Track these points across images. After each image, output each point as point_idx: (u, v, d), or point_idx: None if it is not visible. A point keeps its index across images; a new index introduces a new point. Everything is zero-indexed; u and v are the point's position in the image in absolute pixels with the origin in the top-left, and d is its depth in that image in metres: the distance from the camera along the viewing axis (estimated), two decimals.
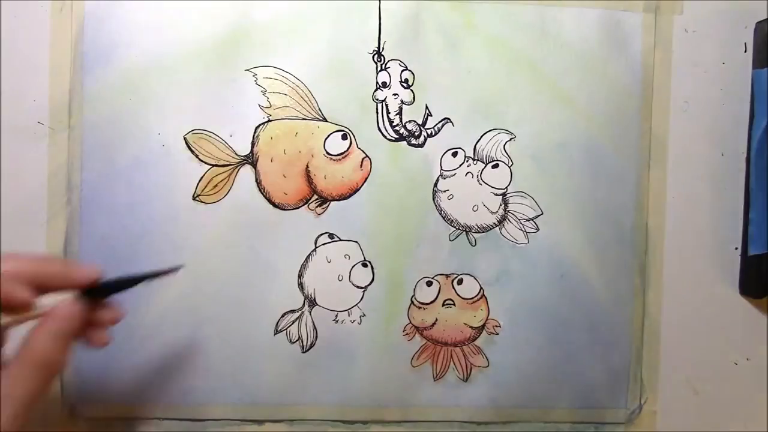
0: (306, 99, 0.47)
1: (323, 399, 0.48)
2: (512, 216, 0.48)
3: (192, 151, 0.46)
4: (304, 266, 0.47)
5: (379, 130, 0.47)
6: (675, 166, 0.50)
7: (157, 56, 0.46)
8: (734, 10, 0.49)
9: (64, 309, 0.35)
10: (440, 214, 0.48)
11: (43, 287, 0.35)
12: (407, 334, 0.48)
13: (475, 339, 0.49)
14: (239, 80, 0.46)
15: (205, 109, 0.46)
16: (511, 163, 0.48)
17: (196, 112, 0.46)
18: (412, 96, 0.47)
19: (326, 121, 0.47)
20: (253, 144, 0.47)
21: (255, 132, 0.47)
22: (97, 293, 0.37)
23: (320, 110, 0.47)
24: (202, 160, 0.46)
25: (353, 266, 0.47)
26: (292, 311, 0.47)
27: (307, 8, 0.47)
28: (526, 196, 0.48)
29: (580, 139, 0.48)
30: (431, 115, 0.48)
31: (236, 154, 0.47)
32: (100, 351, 0.46)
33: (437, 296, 0.48)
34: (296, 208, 0.47)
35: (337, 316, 0.48)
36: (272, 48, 0.46)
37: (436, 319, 0.48)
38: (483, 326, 0.49)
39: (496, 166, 0.48)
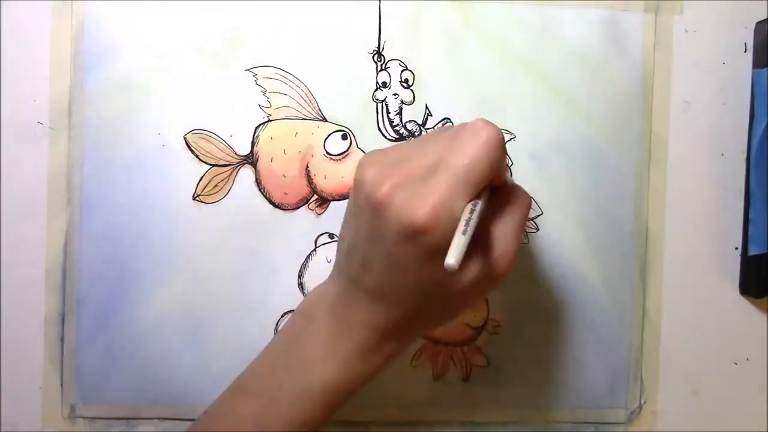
0: (306, 99, 0.47)
1: None
2: None
3: (192, 151, 0.46)
4: (304, 266, 0.47)
5: (379, 130, 0.47)
6: (675, 166, 0.49)
7: (157, 56, 0.46)
8: (734, 10, 0.49)
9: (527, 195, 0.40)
10: None
11: None
12: None
13: (475, 339, 0.49)
14: (239, 80, 0.46)
15: (205, 109, 0.46)
16: (511, 163, 0.48)
17: (196, 112, 0.46)
18: (412, 96, 0.47)
19: (326, 121, 0.47)
20: (253, 144, 0.47)
21: (255, 132, 0.47)
22: None
23: (320, 110, 0.47)
24: (202, 160, 0.46)
25: None
26: (292, 311, 0.47)
27: (307, 8, 0.47)
28: None
29: (580, 139, 0.48)
30: (431, 115, 0.48)
31: (236, 154, 0.47)
32: (100, 351, 0.46)
33: None
34: (296, 208, 0.47)
35: None
36: (272, 48, 0.46)
37: None
38: (483, 326, 0.49)
39: None
